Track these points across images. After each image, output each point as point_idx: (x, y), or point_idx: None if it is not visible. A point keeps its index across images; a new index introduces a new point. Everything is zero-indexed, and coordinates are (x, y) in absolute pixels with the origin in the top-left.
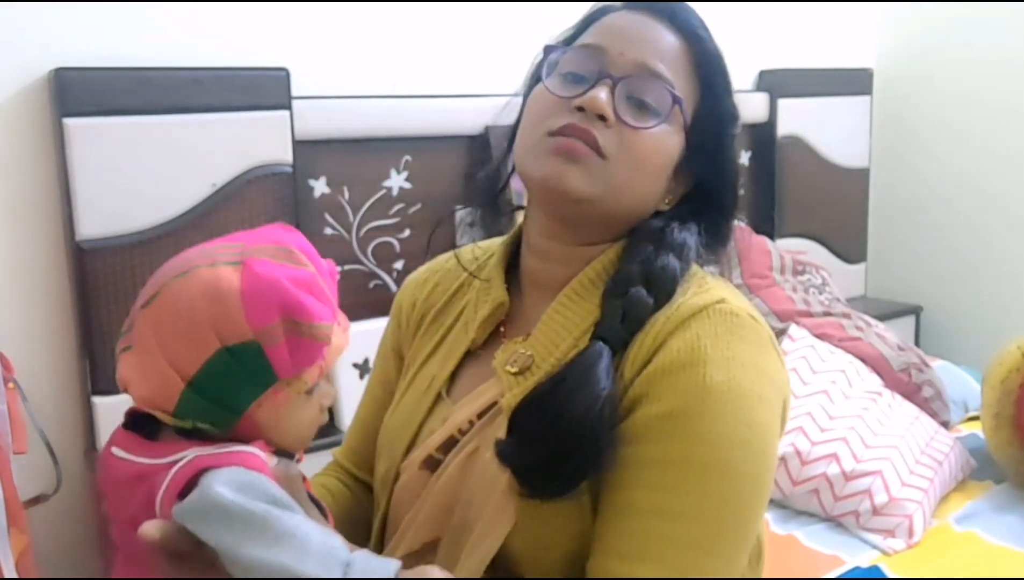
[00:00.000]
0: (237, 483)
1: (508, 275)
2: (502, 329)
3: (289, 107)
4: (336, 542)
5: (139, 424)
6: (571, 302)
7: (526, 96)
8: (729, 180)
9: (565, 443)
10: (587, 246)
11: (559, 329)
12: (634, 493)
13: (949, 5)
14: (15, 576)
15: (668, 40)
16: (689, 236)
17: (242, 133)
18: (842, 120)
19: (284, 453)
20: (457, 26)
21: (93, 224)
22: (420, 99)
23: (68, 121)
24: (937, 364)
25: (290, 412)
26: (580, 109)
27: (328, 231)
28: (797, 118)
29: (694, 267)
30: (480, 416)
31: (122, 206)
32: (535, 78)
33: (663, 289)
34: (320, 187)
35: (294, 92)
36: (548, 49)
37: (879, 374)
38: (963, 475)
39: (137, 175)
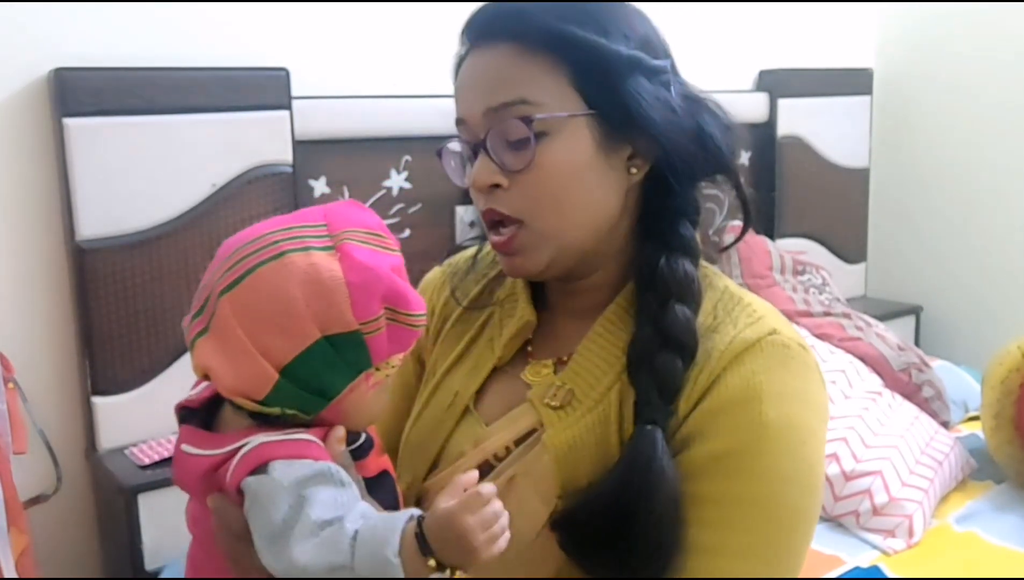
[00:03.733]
0: (305, 478)
1: (532, 289)
2: (529, 347)
3: (289, 107)
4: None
5: (192, 414)
6: (606, 333)
7: None
8: (664, 120)
9: (648, 546)
10: (598, 271)
11: (598, 362)
12: (692, 531)
13: (949, 5)
14: (15, 576)
15: (499, 59)
16: (686, 263)
17: (242, 133)
18: (842, 120)
19: (351, 432)
20: (457, 26)
21: (93, 224)
22: (420, 99)
23: (68, 121)
24: (937, 364)
25: (375, 395)
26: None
27: None
28: (797, 118)
29: (726, 282)
30: (517, 443)
31: (122, 206)
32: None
33: (686, 345)
34: (320, 187)
35: (294, 92)
36: (440, 153)
37: (879, 374)
38: (963, 475)
39: (137, 175)
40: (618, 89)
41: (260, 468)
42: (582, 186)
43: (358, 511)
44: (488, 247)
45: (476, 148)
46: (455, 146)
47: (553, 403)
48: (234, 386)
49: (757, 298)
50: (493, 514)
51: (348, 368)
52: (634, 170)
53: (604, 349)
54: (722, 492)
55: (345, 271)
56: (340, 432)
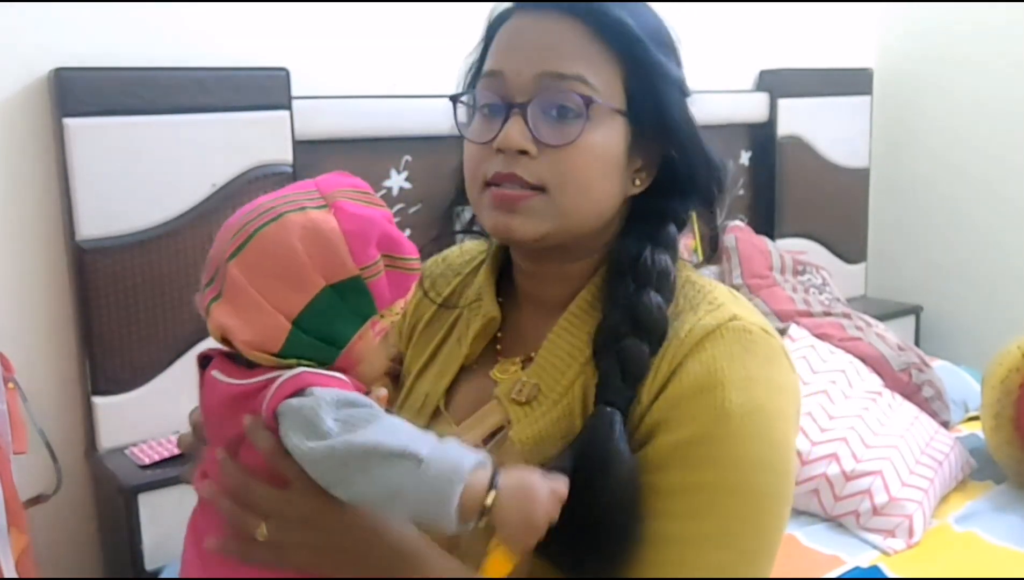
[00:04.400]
0: (344, 399)
1: (500, 287)
2: (498, 345)
3: (289, 107)
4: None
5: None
6: (572, 326)
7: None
8: (686, 148)
9: (601, 529)
10: (575, 262)
11: (563, 355)
12: (662, 523)
13: (949, 5)
14: (15, 576)
15: (566, 30)
16: (666, 258)
17: (242, 133)
18: (842, 120)
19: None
20: (457, 26)
21: (93, 224)
22: (420, 99)
23: (68, 121)
24: (937, 364)
25: (381, 344)
26: (502, 151)
27: None
28: (797, 118)
29: (691, 273)
30: (486, 441)
31: (122, 206)
32: (458, 126)
33: (655, 331)
34: None
35: (294, 92)
36: (453, 99)
37: (879, 374)
38: (963, 475)
39: (137, 175)
40: (659, 104)
41: (299, 393)
42: (605, 177)
43: (427, 437)
44: (466, 245)
45: (510, 107)
46: (475, 98)
47: (519, 399)
48: (251, 341)
49: (720, 286)
50: (550, 516)
51: (354, 315)
52: (638, 182)
53: (569, 342)
54: (689, 481)
55: (341, 222)
56: (382, 392)
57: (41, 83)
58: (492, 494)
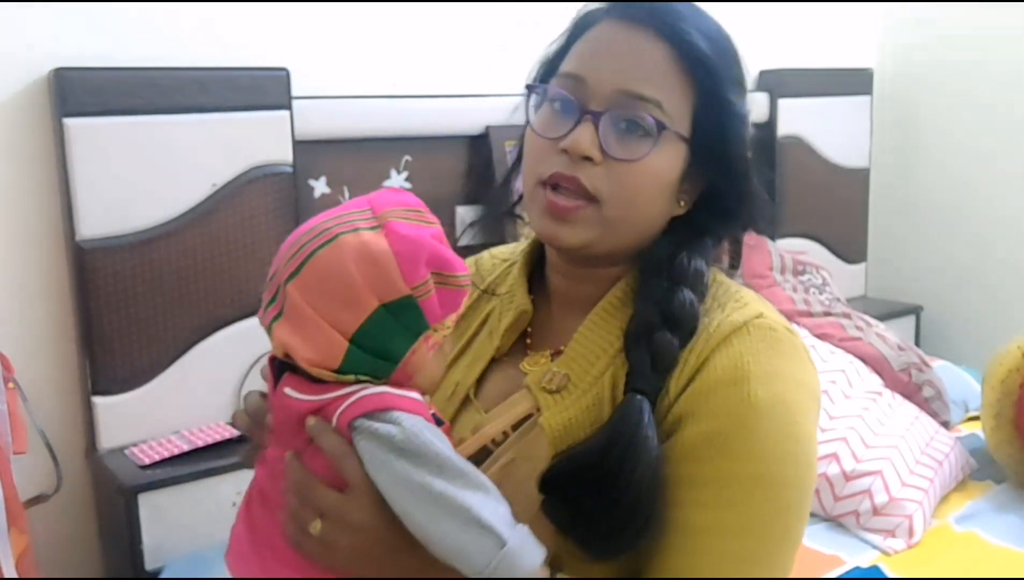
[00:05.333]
0: (432, 431)
1: (532, 284)
2: (528, 339)
3: (289, 107)
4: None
5: (284, 366)
6: (602, 321)
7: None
8: (738, 182)
9: (624, 510)
10: (610, 266)
11: (593, 347)
12: (686, 512)
13: (950, 5)
14: (15, 576)
15: (653, 53)
16: (701, 262)
17: (242, 133)
18: (842, 120)
19: None
20: (457, 26)
21: (93, 224)
22: (420, 99)
23: (68, 121)
24: (937, 364)
25: (435, 357)
26: (567, 152)
27: None
28: (797, 118)
29: (720, 276)
30: (515, 428)
31: (122, 206)
32: (526, 113)
33: (686, 326)
34: (320, 187)
35: (294, 92)
36: (530, 88)
37: (879, 374)
38: (963, 475)
39: (137, 175)
40: (722, 140)
41: (379, 412)
42: (658, 198)
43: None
44: (486, 261)
45: (584, 113)
46: (550, 92)
47: (549, 387)
48: (312, 358)
49: (745, 288)
50: None
51: (407, 331)
52: (682, 203)
53: (600, 336)
54: (716, 472)
55: (392, 244)
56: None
57: (41, 83)
58: None
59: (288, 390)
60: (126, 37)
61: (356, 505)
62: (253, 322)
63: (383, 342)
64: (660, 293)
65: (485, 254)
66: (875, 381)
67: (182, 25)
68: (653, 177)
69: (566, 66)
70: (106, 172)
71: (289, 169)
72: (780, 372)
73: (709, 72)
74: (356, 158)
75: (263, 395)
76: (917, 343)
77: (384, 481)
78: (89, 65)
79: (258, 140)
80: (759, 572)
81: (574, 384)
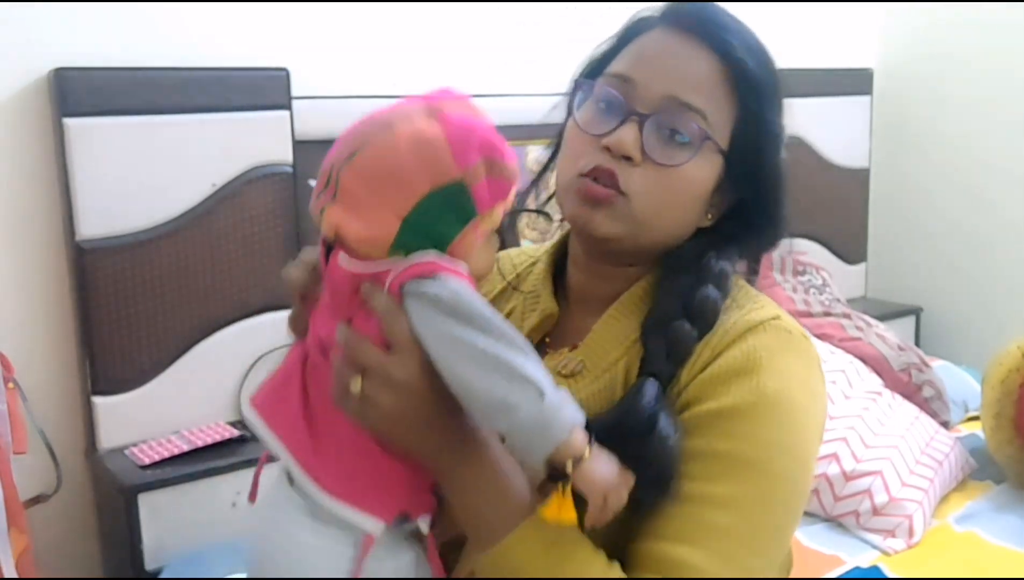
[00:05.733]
0: (474, 293)
1: (555, 285)
2: (547, 338)
3: (289, 107)
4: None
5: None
6: (620, 316)
7: (565, 121)
8: (768, 201)
9: (642, 484)
10: (631, 266)
11: (610, 338)
12: (681, 482)
13: (949, 5)
14: (15, 576)
15: (702, 64)
16: (728, 265)
17: (242, 133)
18: (842, 120)
19: None
20: (457, 26)
21: (93, 224)
22: None
23: (68, 121)
24: (937, 364)
25: (483, 247)
26: (609, 149)
27: None
28: (797, 118)
29: (742, 281)
30: None
31: (122, 206)
32: (569, 108)
33: (705, 320)
34: None
35: (294, 92)
36: (578, 84)
37: (879, 374)
38: (963, 475)
39: (137, 175)
40: (757, 158)
41: (427, 276)
42: (689, 206)
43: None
44: (506, 260)
45: (630, 113)
46: (596, 91)
47: (564, 372)
48: (363, 237)
49: (765, 296)
50: (619, 501)
51: (457, 216)
52: (710, 216)
53: (617, 328)
54: (712, 447)
55: (444, 130)
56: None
57: (41, 83)
58: (589, 449)
59: (342, 260)
60: (126, 37)
61: (400, 363)
62: (253, 322)
63: (433, 225)
64: (684, 288)
65: (503, 254)
66: (875, 381)
67: (182, 25)
68: (688, 185)
69: (616, 67)
70: (106, 172)
71: (289, 169)
72: (792, 372)
73: (753, 91)
74: None
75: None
76: (917, 343)
77: (430, 338)
78: (89, 65)
79: (258, 140)
80: (744, 552)
81: (588, 370)
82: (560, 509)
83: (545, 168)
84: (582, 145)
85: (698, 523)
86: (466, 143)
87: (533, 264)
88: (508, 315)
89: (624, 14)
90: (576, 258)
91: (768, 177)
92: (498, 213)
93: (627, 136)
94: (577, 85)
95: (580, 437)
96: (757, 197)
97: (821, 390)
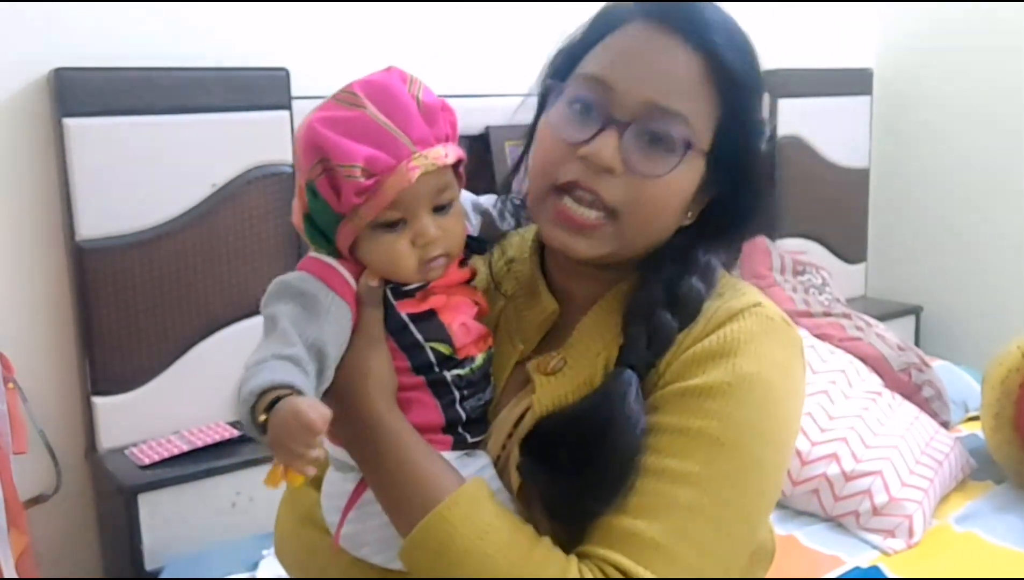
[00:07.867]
0: (282, 282)
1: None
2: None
3: (289, 107)
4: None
5: None
6: (603, 313)
7: (535, 120)
8: (751, 193)
9: (598, 478)
10: (616, 269)
11: (593, 334)
12: (646, 457)
13: (949, 5)
14: (15, 576)
15: (683, 64)
16: (715, 258)
17: (242, 133)
18: (842, 120)
19: (398, 285)
20: (458, 26)
21: (93, 224)
22: None
23: (68, 121)
24: (937, 364)
25: (372, 246)
26: (586, 159)
27: None
28: (797, 118)
29: (723, 271)
30: (516, 424)
31: (122, 206)
32: (540, 106)
33: (688, 311)
34: None
35: (294, 92)
36: (551, 86)
37: (879, 374)
38: (963, 475)
39: (137, 175)
40: (742, 155)
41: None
42: (674, 211)
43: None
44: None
45: (608, 121)
46: (570, 92)
47: (545, 369)
48: (296, 221)
49: (746, 283)
50: (306, 443)
51: (323, 214)
52: (690, 214)
53: (600, 325)
54: (682, 423)
55: (302, 128)
56: (372, 282)
57: (41, 83)
58: (263, 417)
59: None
60: (126, 37)
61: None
62: (253, 322)
63: (315, 220)
64: (668, 279)
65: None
66: (875, 381)
67: (182, 25)
68: (672, 194)
69: (591, 66)
70: (106, 172)
71: (289, 169)
72: (771, 356)
73: (737, 88)
74: None
75: None
76: (917, 343)
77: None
78: (89, 65)
79: (258, 140)
80: (708, 531)
81: (570, 366)
82: (284, 475)
83: (516, 169)
84: (556, 152)
85: (659, 497)
86: (303, 144)
87: (509, 263)
88: (498, 317)
89: None
90: (557, 261)
91: (750, 171)
92: (365, 212)
93: (606, 147)
94: (549, 87)
95: (265, 402)
96: (739, 191)
97: (801, 377)
